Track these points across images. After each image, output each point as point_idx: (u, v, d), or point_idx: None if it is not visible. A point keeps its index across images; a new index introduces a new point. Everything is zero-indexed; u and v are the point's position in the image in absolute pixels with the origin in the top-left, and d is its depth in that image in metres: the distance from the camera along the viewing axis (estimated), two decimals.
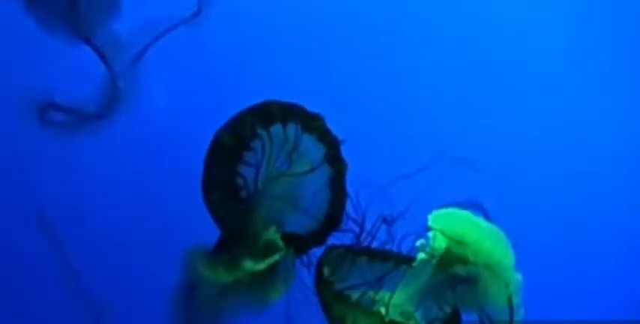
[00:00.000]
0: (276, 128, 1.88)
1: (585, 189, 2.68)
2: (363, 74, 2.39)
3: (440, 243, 1.83)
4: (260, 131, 1.87)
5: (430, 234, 1.84)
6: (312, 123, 1.89)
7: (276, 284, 1.85)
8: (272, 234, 1.86)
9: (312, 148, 1.89)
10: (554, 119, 2.64)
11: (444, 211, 1.86)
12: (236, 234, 1.86)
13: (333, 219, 1.92)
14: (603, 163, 2.67)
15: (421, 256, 1.85)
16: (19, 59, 2.23)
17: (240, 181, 1.87)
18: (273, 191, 1.87)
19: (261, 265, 1.82)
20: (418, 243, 1.85)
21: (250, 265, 1.82)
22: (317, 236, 1.92)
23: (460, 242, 1.82)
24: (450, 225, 1.84)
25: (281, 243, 1.86)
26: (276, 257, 1.84)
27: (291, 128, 1.88)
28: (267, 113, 1.87)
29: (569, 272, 2.67)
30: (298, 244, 1.91)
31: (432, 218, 1.84)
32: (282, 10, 2.41)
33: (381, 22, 2.50)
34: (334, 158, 1.90)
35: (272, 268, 1.84)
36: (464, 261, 1.82)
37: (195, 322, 1.86)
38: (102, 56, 1.96)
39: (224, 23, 2.15)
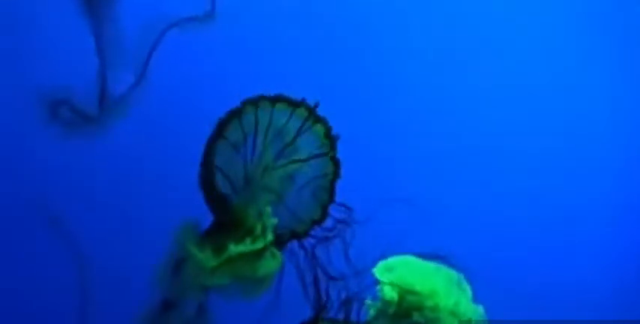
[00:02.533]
0: (279, 118, 1.90)
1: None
2: None
3: (391, 294, 1.80)
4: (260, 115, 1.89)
5: (379, 287, 1.82)
6: (315, 123, 1.92)
7: (263, 269, 1.85)
8: (265, 220, 1.86)
9: (309, 144, 1.92)
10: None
11: (389, 261, 1.83)
12: (228, 217, 1.88)
13: (318, 215, 1.93)
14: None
15: (374, 310, 1.82)
16: (31, 55, 2.25)
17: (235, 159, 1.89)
18: (266, 180, 1.88)
19: (248, 248, 1.82)
20: (367, 302, 1.83)
21: (236, 249, 1.82)
22: (298, 229, 1.94)
23: (411, 290, 1.79)
24: (398, 274, 1.81)
25: (270, 230, 1.85)
26: (260, 244, 1.84)
27: (294, 122, 1.91)
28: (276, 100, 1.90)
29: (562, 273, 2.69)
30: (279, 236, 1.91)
31: (379, 270, 1.81)
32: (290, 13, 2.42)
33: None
34: (330, 156, 1.92)
35: (259, 253, 1.85)
36: (419, 308, 1.78)
37: (177, 295, 1.87)
38: (101, 51, 1.98)
39: (229, 26, 2.16)
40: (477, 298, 2.33)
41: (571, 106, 2.67)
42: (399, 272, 1.81)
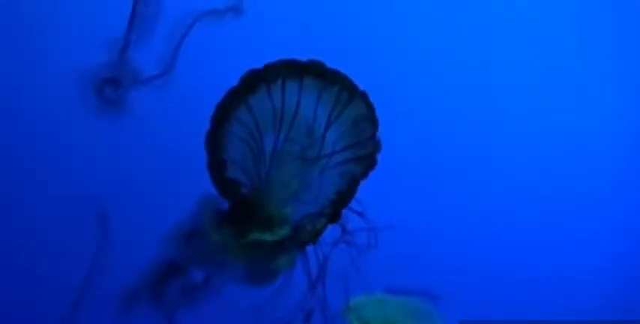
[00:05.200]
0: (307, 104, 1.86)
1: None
2: None
3: None
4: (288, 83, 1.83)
5: None
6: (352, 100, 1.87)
7: (280, 260, 1.86)
8: (285, 209, 1.86)
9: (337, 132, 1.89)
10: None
11: (356, 300, 1.85)
12: (245, 203, 1.87)
13: (333, 212, 1.91)
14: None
15: None
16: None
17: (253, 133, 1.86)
18: (288, 168, 1.87)
19: (269, 237, 1.83)
20: None
21: (258, 236, 1.83)
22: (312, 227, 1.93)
23: None
24: (365, 313, 1.81)
25: (291, 218, 1.86)
26: (285, 231, 1.84)
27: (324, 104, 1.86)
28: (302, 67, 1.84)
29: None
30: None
31: (346, 310, 1.83)
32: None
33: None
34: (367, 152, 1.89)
35: (278, 244, 1.85)
36: None
37: (186, 262, 1.91)
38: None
39: (257, 21, 2.18)
40: (478, 298, 2.40)
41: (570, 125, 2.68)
42: (366, 311, 1.83)
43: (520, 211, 2.62)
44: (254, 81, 1.84)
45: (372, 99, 1.91)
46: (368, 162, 1.88)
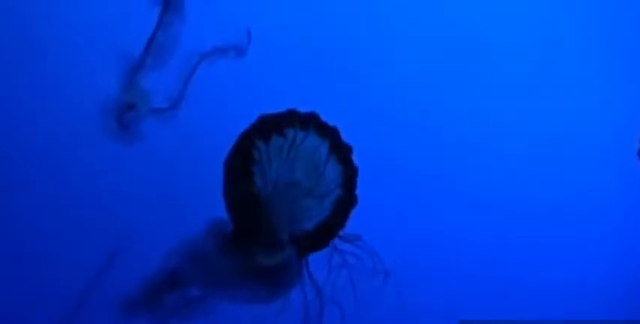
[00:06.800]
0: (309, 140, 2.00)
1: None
2: None
3: None
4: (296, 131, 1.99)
5: None
6: (342, 150, 2.02)
7: (283, 281, 1.95)
8: (284, 233, 1.95)
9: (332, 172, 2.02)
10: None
11: None
12: (250, 227, 1.96)
13: (323, 234, 2.01)
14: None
15: None
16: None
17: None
18: (287, 196, 1.97)
19: (270, 262, 1.92)
20: None
21: (261, 260, 1.93)
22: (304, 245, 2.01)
23: None
24: None
25: (289, 242, 1.95)
26: (285, 254, 1.93)
27: (324, 148, 2.00)
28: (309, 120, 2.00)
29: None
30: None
31: None
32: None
33: None
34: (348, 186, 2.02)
35: (281, 266, 1.94)
36: None
37: (187, 278, 1.99)
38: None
39: (262, 60, 2.23)
40: (478, 297, 2.47)
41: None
42: None
43: (520, 212, 2.61)
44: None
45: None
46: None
